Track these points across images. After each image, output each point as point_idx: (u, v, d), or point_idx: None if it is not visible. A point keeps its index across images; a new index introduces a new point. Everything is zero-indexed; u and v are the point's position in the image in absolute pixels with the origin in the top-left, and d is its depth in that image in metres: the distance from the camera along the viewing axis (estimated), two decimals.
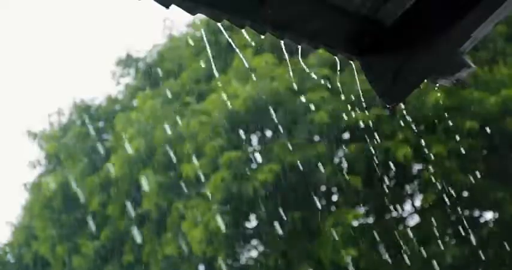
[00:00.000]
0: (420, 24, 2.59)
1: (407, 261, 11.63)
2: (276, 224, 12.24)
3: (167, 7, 2.21)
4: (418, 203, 13.05)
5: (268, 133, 13.11)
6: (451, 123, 11.78)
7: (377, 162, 11.85)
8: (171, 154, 13.12)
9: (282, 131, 12.24)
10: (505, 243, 11.82)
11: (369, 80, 2.64)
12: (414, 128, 12.22)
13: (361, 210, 12.99)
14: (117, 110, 16.31)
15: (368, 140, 11.74)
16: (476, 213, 13.17)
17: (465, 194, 12.61)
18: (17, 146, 27.36)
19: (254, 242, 13.62)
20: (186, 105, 13.81)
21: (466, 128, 11.93)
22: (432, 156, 11.76)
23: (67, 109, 17.01)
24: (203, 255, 12.82)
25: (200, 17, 2.34)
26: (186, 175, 12.71)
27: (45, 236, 15.69)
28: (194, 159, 12.62)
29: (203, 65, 14.37)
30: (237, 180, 12.12)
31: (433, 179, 11.90)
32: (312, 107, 11.90)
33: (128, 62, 16.91)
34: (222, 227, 12.21)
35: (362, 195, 12.38)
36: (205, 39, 14.92)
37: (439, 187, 11.81)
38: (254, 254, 13.72)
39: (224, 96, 12.45)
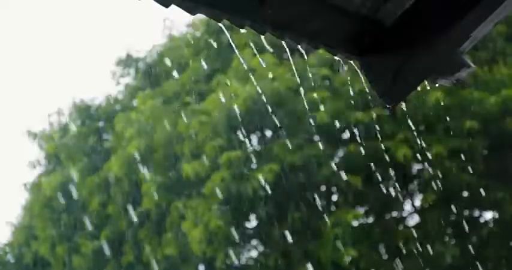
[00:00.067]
0: (420, 24, 2.59)
1: (407, 261, 11.65)
2: (276, 224, 12.24)
3: (167, 7, 2.21)
4: (418, 203, 13.06)
5: (268, 133, 13.12)
6: (451, 123, 11.79)
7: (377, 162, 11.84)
8: (171, 154, 13.12)
9: (282, 131, 12.25)
10: (505, 243, 11.83)
11: (369, 80, 2.64)
12: (414, 128, 12.22)
13: (361, 210, 12.99)
14: (117, 110, 16.29)
15: (368, 140, 11.74)
16: (476, 213, 13.18)
17: (465, 194, 12.61)
18: (17, 146, 27.33)
19: (254, 242, 13.63)
20: (186, 105, 13.81)
21: (466, 128, 11.93)
22: (432, 156, 11.76)
23: (67, 109, 17.02)
24: (203, 255, 12.82)
25: (200, 17, 2.34)
26: (186, 175, 12.71)
27: (45, 236, 15.69)
28: (194, 159, 12.63)
29: (203, 65, 14.37)
30: (237, 180, 12.13)
31: (433, 179, 11.91)
32: (312, 107, 11.90)
33: (127, 62, 16.90)
34: (222, 227, 12.22)
35: (362, 195, 12.38)
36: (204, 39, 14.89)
37: (439, 187, 11.80)
38: (254, 254, 13.72)
39: (224, 96, 12.46)
